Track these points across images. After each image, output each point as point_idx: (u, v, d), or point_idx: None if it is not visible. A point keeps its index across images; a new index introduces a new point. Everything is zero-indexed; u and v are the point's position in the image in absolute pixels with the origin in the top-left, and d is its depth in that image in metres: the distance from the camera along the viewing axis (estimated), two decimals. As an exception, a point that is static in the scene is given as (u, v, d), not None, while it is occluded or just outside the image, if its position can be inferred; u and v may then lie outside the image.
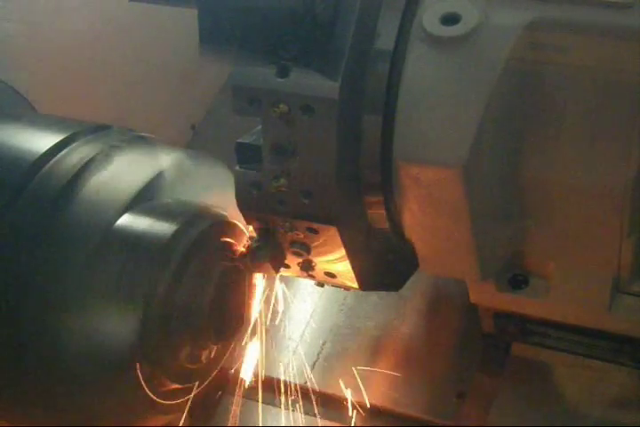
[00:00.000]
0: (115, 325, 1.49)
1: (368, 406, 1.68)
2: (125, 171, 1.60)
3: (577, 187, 1.30)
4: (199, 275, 1.53)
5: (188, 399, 1.65)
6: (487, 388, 1.64)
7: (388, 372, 1.73)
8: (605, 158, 1.27)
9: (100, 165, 1.58)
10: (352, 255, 1.42)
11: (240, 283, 1.61)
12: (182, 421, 1.68)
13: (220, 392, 1.71)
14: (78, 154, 1.59)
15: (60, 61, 2.40)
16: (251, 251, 1.50)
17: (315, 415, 1.69)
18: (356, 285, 1.50)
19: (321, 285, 1.60)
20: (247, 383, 1.66)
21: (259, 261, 1.47)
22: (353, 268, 1.44)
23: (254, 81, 1.29)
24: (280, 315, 1.75)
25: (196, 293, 1.53)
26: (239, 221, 1.58)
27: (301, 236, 1.41)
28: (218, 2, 1.27)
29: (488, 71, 1.22)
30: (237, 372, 1.69)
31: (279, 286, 1.68)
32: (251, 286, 1.62)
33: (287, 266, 1.51)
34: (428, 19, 1.24)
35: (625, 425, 1.51)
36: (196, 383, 1.64)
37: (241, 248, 1.57)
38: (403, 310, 1.78)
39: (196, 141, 2.21)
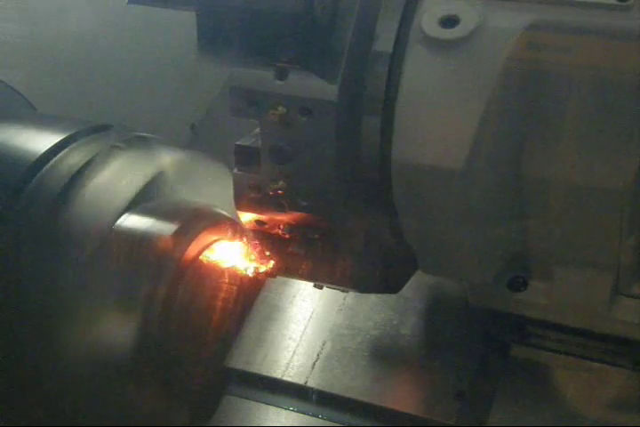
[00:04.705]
0: (115, 325, 1.50)
1: (367, 405, 1.68)
2: (125, 171, 1.61)
3: (577, 187, 1.30)
4: (199, 275, 1.54)
5: (189, 399, 1.66)
6: (487, 388, 1.64)
7: (388, 372, 1.73)
8: (605, 159, 1.26)
9: (100, 165, 1.58)
10: (351, 257, 1.42)
11: (239, 283, 1.62)
12: (182, 421, 1.68)
13: (220, 392, 1.71)
14: (78, 154, 1.60)
15: (60, 61, 2.40)
16: (250, 253, 1.50)
17: (315, 415, 1.69)
18: (354, 286, 1.50)
19: (320, 287, 1.60)
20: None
21: (257, 262, 1.47)
22: (352, 269, 1.44)
23: (253, 83, 1.28)
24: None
25: (197, 293, 1.53)
26: (238, 221, 1.58)
27: (300, 238, 1.42)
28: (217, 4, 1.26)
29: (487, 73, 1.22)
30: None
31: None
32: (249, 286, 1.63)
33: (286, 268, 1.51)
34: (427, 21, 1.24)
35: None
36: (196, 383, 1.65)
37: (240, 249, 1.57)
38: (402, 310, 1.78)
39: (196, 141, 2.22)
